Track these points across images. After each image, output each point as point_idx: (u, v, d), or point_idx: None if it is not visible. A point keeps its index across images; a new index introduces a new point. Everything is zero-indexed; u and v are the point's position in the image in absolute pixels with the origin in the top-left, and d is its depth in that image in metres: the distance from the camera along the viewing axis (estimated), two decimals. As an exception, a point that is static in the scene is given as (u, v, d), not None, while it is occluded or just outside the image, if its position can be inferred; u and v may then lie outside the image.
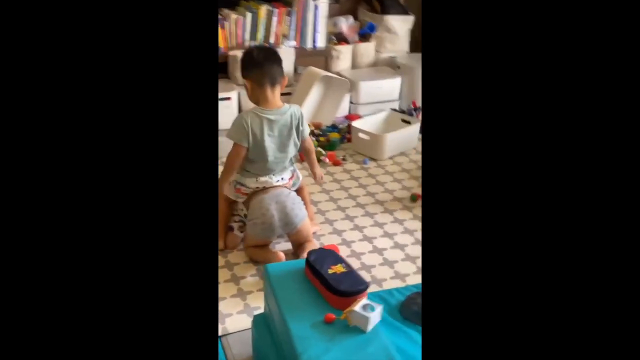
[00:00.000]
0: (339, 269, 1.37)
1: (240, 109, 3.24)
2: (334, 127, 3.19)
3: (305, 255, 1.86)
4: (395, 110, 3.35)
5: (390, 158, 2.89)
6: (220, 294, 1.83)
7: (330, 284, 1.31)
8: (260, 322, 1.50)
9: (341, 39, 3.64)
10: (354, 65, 3.66)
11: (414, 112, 3.36)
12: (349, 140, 3.05)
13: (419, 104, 3.50)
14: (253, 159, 1.95)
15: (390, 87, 3.51)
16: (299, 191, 2.08)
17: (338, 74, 3.40)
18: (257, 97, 1.93)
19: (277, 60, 1.96)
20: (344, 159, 2.84)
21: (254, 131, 1.89)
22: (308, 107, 3.11)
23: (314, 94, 3.16)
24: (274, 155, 1.95)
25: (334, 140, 2.98)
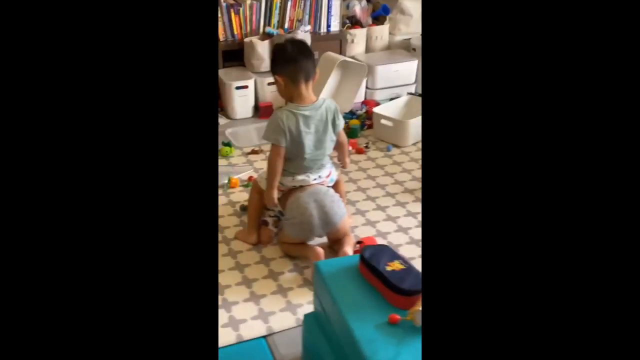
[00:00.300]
0: (397, 265, 1.32)
1: (256, 97, 3.17)
2: (352, 114, 3.12)
3: (345, 250, 1.82)
4: (413, 94, 3.28)
5: (414, 144, 2.82)
6: (260, 290, 1.78)
7: (391, 282, 1.25)
8: (312, 322, 1.45)
9: (355, 22, 3.56)
10: (368, 49, 3.59)
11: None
12: (370, 127, 2.99)
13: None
14: (290, 157, 1.88)
15: (406, 71, 3.44)
16: (334, 185, 2.02)
17: (353, 58, 3.33)
18: (291, 93, 1.86)
19: (311, 54, 1.88)
20: (366, 147, 2.77)
21: (290, 129, 1.82)
22: (326, 94, 3.04)
23: (332, 80, 3.09)
24: (311, 153, 1.89)
25: (354, 127, 2.91)
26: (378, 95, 3.37)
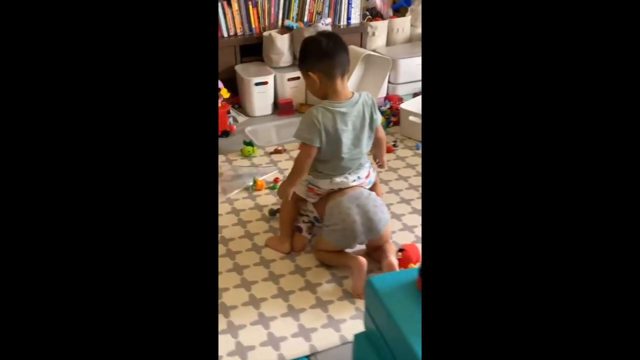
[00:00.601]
0: (462, 283, 1.19)
1: (276, 94, 3.04)
2: (376, 110, 2.99)
3: (391, 260, 1.68)
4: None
5: (444, 142, 2.69)
6: (299, 304, 1.66)
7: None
8: (364, 343, 1.33)
9: (375, 14, 3.42)
10: (389, 41, 3.45)
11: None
12: (395, 123, 2.86)
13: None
14: (326, 158, 1.75)
15: (430, 65, 3.30)
16: (371, 188, 1.89)
17: (375, 51, 3.19)
18: (325, 90, 1.72)
19: (345, 47, 1.74)
20: (394, 145, 2.64)
21: (326, 128, 1.68)
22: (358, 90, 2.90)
23: (355, 75, 2.96)
24: (349, 152, 1.75)
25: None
26: (400, 90, 3.24)
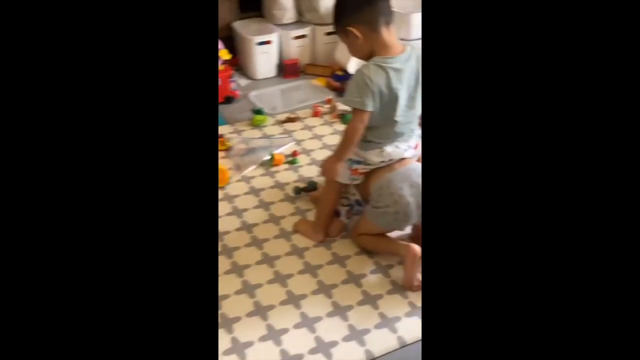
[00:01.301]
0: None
1: (280, 54, 2.76)
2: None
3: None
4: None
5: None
6: (345, 300, 1.46)
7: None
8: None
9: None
10: (397, -6, 3.17)
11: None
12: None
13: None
14: (377, 124, 1.50)
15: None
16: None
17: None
18: (372, 45, 1.45)
19: None
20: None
21: (380, 88, 1.42)
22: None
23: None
24: (404, 115, 1.50)
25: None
26: (412, 48, 2.99)
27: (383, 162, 1.55)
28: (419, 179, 1.50)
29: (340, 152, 1.51)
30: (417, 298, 1.46)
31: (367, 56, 1.47)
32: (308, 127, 2.31)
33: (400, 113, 1.49)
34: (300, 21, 2.82)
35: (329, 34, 2.80)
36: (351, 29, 1.43)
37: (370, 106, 1.43)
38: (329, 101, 2.50)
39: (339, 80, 2.66)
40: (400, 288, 1.50)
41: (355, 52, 1.51)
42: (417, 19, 2.89)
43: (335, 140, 2.10)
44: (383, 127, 1.51)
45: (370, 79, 1.41)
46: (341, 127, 2.29)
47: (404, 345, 1.34)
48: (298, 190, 1.87)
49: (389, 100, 1.45)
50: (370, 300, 1.46)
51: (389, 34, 1.45)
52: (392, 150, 1.54)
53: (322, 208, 1.66)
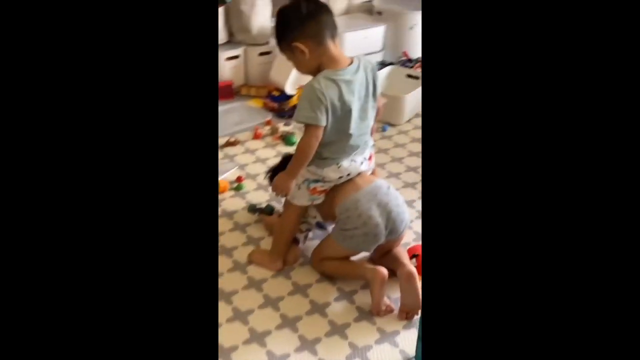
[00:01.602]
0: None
1: (246, 68, 2.67)
2: (326, 89, 2.72)
3: (409, 269, 1.43)
4: (394, 64, 2.93)
5: (409, 121, 2.50)
6: (311, 333, 1.37)
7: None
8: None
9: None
10: (327, 14, 3.17)
11: (408, 64, 2.98)
12: (351, 103, 2.61)
13: (411, 54, 3.11)
14: (331, 139, 1.43)
15: (374, 37, 3.08)
16: (373, 172, 1.63)
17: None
18: (319, 59, 1.39)
19: (327, 6, 1.43)
20: (359, 128, 2.40)
21: (333, 102, 1.37)
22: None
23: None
24: (357, 128, 1.45)
25: (337, 105, 2.52)
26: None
27: (341, 177, 1.49)
28: (385, 198, 1.45)
29: (292, 169, 1.44)
30: (386, 324, 1.40)
31: (314, 71, 1.42)
32: (250, 151, 2.22)
33: (354, 126, 1.44)
34: (231, 42, 2.74)
35: (262, 54, 2.74)
36: (297, 44, 1.38)
37: (323, 120, 1.37)
38: (268, 122, 2.42)
39: (276, 100, 2.60)
40: (368, 314, 1.44)
41: (302, 67, 1.45)
42: (350, 38, 2.90)
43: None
44: (338, 141, 1.45)
45: (322, 93, 1.35)
46: (284, 148, 2.22)
47: (379, 376, 1.27)
48: (253, 208, 1.77)
49: (342, 114, 1.40)
50: (338, 330, 1.39)
51: (335, 47, 1.41)
52: (348, 164, 1.49)
53: (281, 234, 1.57)
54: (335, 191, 1.51)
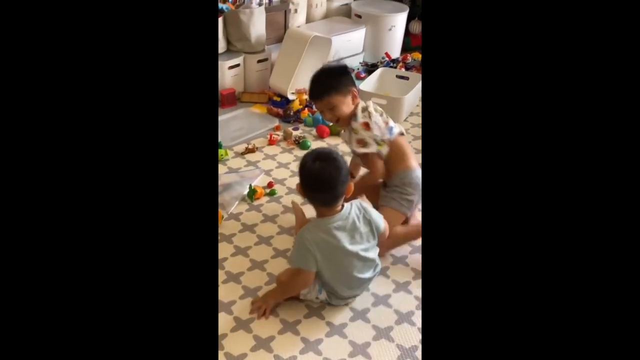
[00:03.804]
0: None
1: (245, 75, 2.77)
2: (321, 92, 2.88)
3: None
4: (376, 65, 3.12)
5: (406, 120, 2.70)
6: (285, 351, 1.45)
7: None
8: None
9: (294, -11, 3.24)
10: (308, 18, 3.31)
11: (392, 65, 3.18)
12: (349, 105, 2.79)
13: (393, 55, 3.31)
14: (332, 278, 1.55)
15: (356, 40, 3.26)
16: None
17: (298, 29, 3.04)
18: (317, 210, 1.55)
19: (336, 181, 1.46)
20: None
21: (321, 248, 1.48)
22: (300, 76, 2.75)
23: (300, 59, 2.79)
24: (360, 271, 1.56)
25: (338, 108, 2.68)
26: (333, 69, 3.15)
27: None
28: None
29: (277, 295, 1.57)
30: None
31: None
32: (270, 157, 2.35)
33: (356, 271, 1.53)
34: (230, 50, 2.83)
35: (260, 61, 2.86)
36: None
37: (313, 267, 1.49)
38: (277, 128, 2.55)
39: (278, 106, 2.72)
40: (362, 313, 1.57)
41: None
42: (336, 42, 3.05)
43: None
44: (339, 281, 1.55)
45: (309, 241, 1.47)
46: (301, 152, 2.36)
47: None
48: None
49: (336, 258, 1.50)
50: (310, 347, 1.51)
51: (332, 207, 1.52)
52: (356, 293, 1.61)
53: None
54: (388, 164, 1.76)
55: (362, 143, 1.73)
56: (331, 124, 2.48)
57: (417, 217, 1.88)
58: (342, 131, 1.89)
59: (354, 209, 1.54)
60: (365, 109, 1.75)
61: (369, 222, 1.54)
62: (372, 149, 1.73)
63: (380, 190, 1.83)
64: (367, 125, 1.72)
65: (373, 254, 1.57)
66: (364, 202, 1.58)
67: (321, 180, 1.46)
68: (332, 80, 1.75)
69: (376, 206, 1.71)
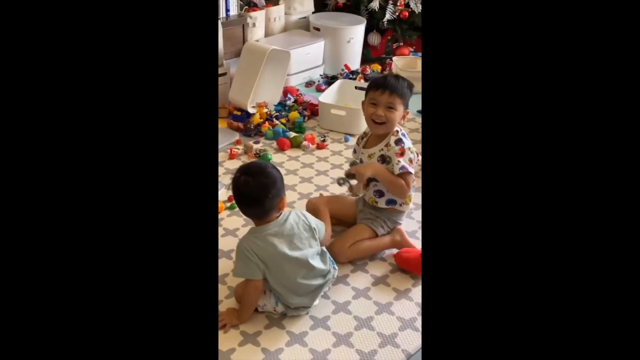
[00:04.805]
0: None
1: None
2: (281, 106, 2.89)
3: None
4: (336, 77, 3.15)
5: (365, 130, 2.73)
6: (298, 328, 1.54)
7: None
8: None
9: (251, 5, 3.26)
10: (267, 32, 3.33)
11: (352, 77, 3.21)
12: (309, 117, 2.80)
13: (352, 66, 3.35)
14: (279, 282, 1.57)
15: (315, 53, 3.29)
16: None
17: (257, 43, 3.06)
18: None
19: (265, 198, 1.47)
20: (323, 140, 2.59)
21: (261, 256, 1.50)
22: (260, 89, 2.76)
23: (258, 73, 2.80)
24: (305, 276, 1.58)
25: (298, 120, 2.70)
26: (293, 81, 3.18)
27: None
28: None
29: (241, 315, 1.57)
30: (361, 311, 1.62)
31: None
32: (230, 171, 2.33)
33: (300, 276, 1.55)
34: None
35: (218, 75, 2.85)
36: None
37: (258, 274, 1.50)
38: (238, 142, 2.55)
39: (238, 120, 2.72)
40: (344, 305, 1.63)
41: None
42: (295, 55, 3.07)
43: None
44: (286, 285, 1.56)
45: (248, 250, 1.49)
46: (262, 166, 2.36)
47: None
48: (344, 180, 1.89)
49: (279, 263, 1.51)
50: (320, 323, 1.58)
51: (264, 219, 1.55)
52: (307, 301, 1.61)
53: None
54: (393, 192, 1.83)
55: (387, 160, 1.80)
56: (293, 135, 2.50)
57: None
58: (361, 138, 1.98)
59: (293, 215, 1.56)
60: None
61: (309, 227, 1.56)
62: (410, 169, 1.77)
63: (359, 205, 1.93)
64: (403, 154, 1.77)
65: (320, 261, 1.58)
66: (303, 210, 1.62)
67: (245, 195, 1.47)
68: (407, 89, 1.82)
69: (352, 222, 1.88)
